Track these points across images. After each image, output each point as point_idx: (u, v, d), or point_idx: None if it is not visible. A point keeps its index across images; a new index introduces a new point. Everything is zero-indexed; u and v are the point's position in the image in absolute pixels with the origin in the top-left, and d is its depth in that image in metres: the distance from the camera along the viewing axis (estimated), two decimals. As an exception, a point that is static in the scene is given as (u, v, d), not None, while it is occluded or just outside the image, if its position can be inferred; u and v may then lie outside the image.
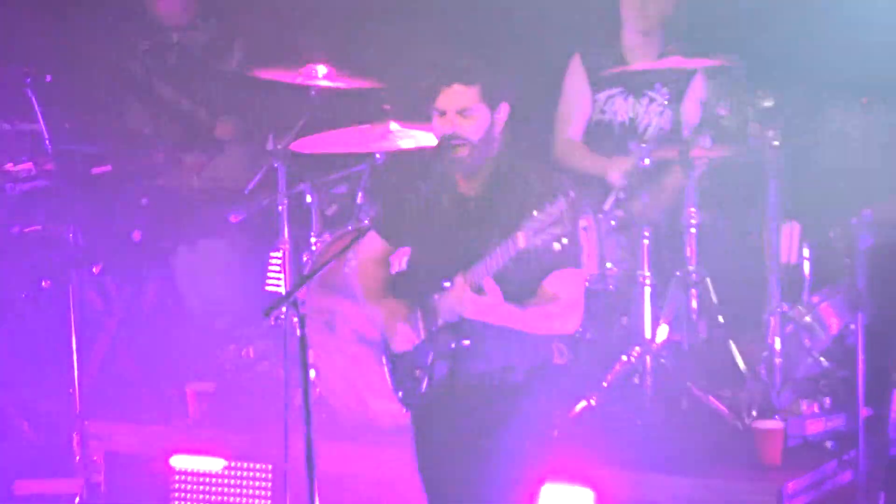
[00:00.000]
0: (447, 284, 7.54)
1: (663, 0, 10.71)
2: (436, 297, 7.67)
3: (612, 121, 10.82)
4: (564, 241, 7.27)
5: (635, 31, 10.74)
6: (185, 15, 11.86)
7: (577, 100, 10.94)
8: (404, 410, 7.97)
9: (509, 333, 7.65)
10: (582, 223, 9.71)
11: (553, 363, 7.93)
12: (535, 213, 7.26)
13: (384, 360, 8.00)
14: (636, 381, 10.05)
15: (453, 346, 7.68)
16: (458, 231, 7.69)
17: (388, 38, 11.47)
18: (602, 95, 10.87)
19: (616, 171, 10.30)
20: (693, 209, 10.08)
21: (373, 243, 8.01)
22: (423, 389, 7.80)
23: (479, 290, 7.42)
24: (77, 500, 10.36)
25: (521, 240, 7.25)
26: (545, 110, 10.91)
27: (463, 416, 7.78)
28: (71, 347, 10.53)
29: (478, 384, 7.71)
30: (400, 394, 7.91)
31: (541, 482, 7.91)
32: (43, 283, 10.81)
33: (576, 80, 10.94)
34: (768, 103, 9.93)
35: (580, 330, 9.91)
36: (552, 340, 7.94)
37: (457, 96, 7.65)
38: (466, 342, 7.64)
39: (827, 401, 9.87)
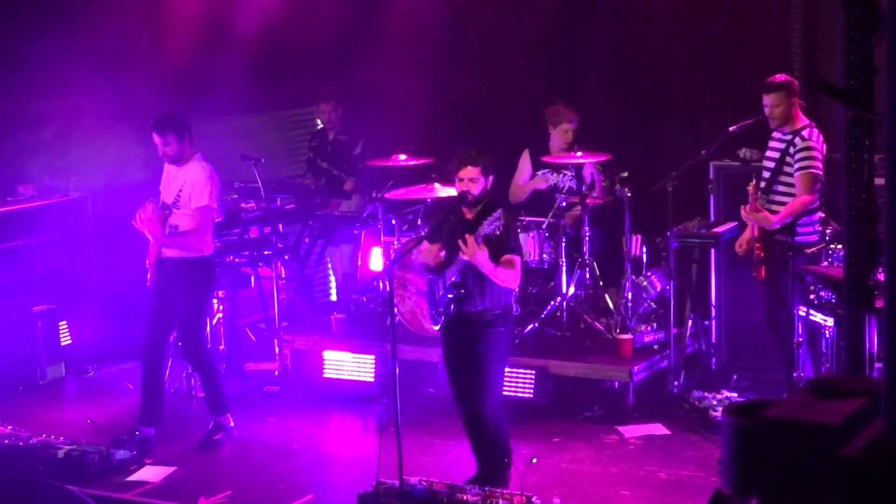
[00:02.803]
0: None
1: (572, 132, 10.34)
2: (447, 266, 7.81)
3: (545, 184, 10.51)
4: (500, 230, 7.62)
5: (558, 142, 10.42)
6: (335, 125, 11.45)
7: (524, 169, 10.60)
8: (436, 329, 8.08)
9: (485, 290, 7.79)
10: (531, 235, 9.89)
11: (511, 311, 8.12)
12: (489, 217, 7.63)
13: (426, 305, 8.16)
14: (558, 314, 9.96)
15: (456, 293, 7.81)
16: (462, 235, 7.73)
17: (434, 139, 11.12)
18: (539, 172, 10.53)
19: (539, 183, 10.51)
20: (587, 227, 10.02)
21: (426, 245, 8.06)
22: (444, 318, 7.94)
23: (477, 244, 7.57)
24: (276, 372, 10.38)
25: (483, 229, 7.61)
26: (509, 174, 10.60)
27: (463, 334, 7.93)
28: (273, 296, 10.63)
29: (469, 317, 7.86)
30: (433, 321, 8.05)
31: (504, 366, 8.16)
32: (260, 264, 10.75)
33: (525, 161, 10.61)
34: (624, 174, 10.03)
35: (530, 288, 10.02)
36: (511, 297, 8.07)
37: (468, 172, 7.88)
38: (463, 291, 7.79)
39: (654, 325, 9.92)
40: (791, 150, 8.88)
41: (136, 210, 8.94)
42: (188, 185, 8.95)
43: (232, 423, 9.19)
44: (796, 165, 8.86)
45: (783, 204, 8.91)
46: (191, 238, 8.94)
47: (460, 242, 7.65)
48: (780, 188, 8.96)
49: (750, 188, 8.96)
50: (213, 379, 9.20)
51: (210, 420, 9.20)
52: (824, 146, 8.90)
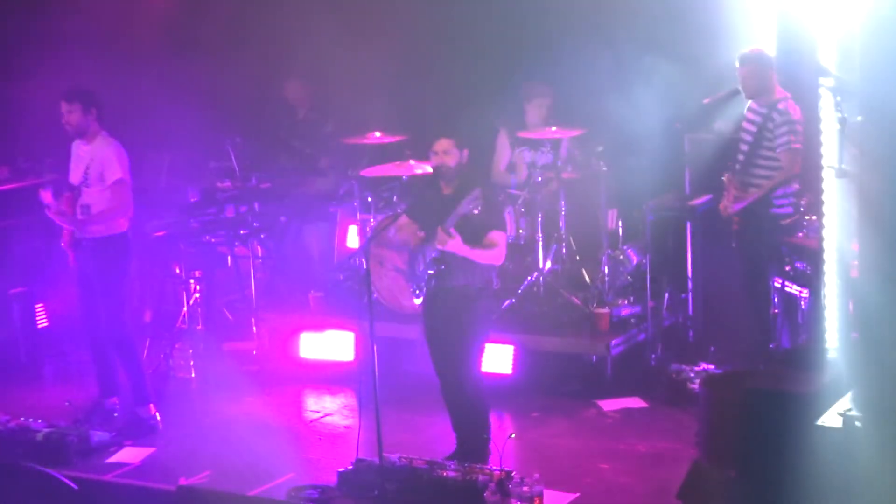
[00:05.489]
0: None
1: (546, 106, 10.45)
2: (428, 245, 7.82)
3: (523, 162, 10.47)
4: (478, 209, 7.59)
5: (534, 118, 10.54)
6: (305, 103, 11.49)
7: (502, 151, 10.70)
8: (417, 303, 8.07)
9: (466, 266, 7.78)
10: (507, 210, 9.84)
11: (492, 285, 8.10)
12: (466, 197, 7.59)
13: (406, 282, 8.17)
14: (535, 289, 10.02)
15: (436, 269, 7.80)
16: (440, 211, 7.79)
17: (410, 115, 11.10)
18: (518, 150, 10.56)
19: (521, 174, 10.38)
20: (563, 202, 10.04)
21: (404, 220, 8.10)
22: (425, 294, 7.96)
23: (448, 234, 7.62)
24: (254, 352, 10.39)
25: (461, 208, 7.59)
26: (487, 153, 10.67)
27: (443, 309, 7.93)
28: (250, 275, 10.56)
29: (450, 292, 7.85)
30: (415, 296, 8.05)
31: (485, 342, 8.09)
32: (236, 244, 10.70)
33: (502, 141, 10.71)
34: (600, 149, 10.08)
35: (506, 264, 9.68)
36: (492, 272, 8.04)
37: (443, 144, 7.88)
38: (443, 267, 7.78)
39: (631, 298, 9.96)
40: (770, 124, 8.89)
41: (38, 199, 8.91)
42: (96, 162, 8.82)
43: (156, 414, 9.06)
44: (778, 141, 8.86)
45: (763, 177, 8.94)
46: (109, 216, 8.82)
47: (438, 231, 7.67)
48: (761, 161, 8.97)
49: (725, 179, 9.00)
50: (134, 364, 9.06)
51: (129, 411, 9.14)
52: (801, 117, 8.91)
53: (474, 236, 7.78)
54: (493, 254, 7.86)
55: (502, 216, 8.15)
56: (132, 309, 9.29)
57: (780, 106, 8.90)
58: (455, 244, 7.67)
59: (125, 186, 8.82)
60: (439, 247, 7.72)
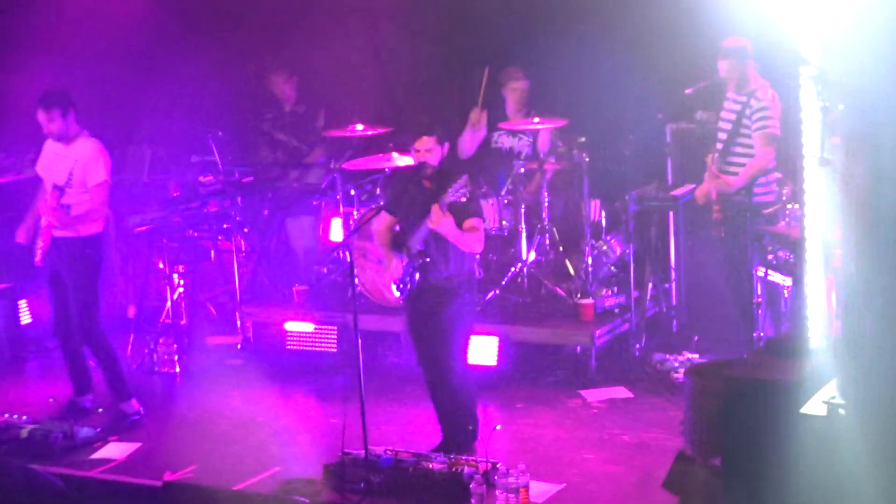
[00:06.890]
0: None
1: (521, 90, 10.44)
2: (410, 236, 7.82)
3: (501, 149, 10.58)
4: (466, 196, 7.61)
5: (513, 106, 10.51)
6: (292, 96, 11.48)
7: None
8: (401, 298, 8.02)
9: (449, 258, 7.82)
10: (490, 201, 9.88)
11: (475, 277, 8.14)
12: (453, 185, 7.60)
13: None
14: (519, 280, 9.99)
15: (421, 261, 7.79)
16: (422, 205, 7.80)
17: (392, 108, 11.18)
18: (495, 135, 10.60)
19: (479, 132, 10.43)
20: (545, 193, 10.00)
21: (385, 217, 8.12)
22: (409, 287, 7.91)
23: (443, 212, 7.59)
24: (238, 346, 10.39)
25: (448, 196, 7.59)
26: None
27: (427, 302, 7.92)
28: (234, 269, 10.57)
29: (434, 284, 7.85)
30: (399, 290, 7.99)
31: (469, 334, 8.21)
32: (219, 238, 10.71)
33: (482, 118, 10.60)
34: (582, 139, 10.04)
35: (490, 255, 10.03)
36: (474, 263, 8.07)
37: (424, 142, 7.88)
38: (428, 259, 7.79)
39: (615, 288, 9.97)
40: (747, 111, 8.94)
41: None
42: (80, 163, 8.72)
43: (139, 409, 9.08)
44: (754, 126, 8.91)
45: (741, 166, 8.96)
46: (88, 218, 8.78)
47: (434, 208, 7.66)
48: (738, 150, 9.01)
49: (708, 160, 9.01)
50: (111, 362, 9.01)
51: (112, 408, 9.13)
52: (780, 105, 8.94)
53: (458, 220, 7.80)
54: (475, 238, 7.87)
55: (479, 204, 8.17)
56: (112, 305, 9.27)
57: (759, 94, 8.94)
58: (448, 224, 7.68)
59: (105, 187, 8.77)
60: (431, 226, 7.70)
